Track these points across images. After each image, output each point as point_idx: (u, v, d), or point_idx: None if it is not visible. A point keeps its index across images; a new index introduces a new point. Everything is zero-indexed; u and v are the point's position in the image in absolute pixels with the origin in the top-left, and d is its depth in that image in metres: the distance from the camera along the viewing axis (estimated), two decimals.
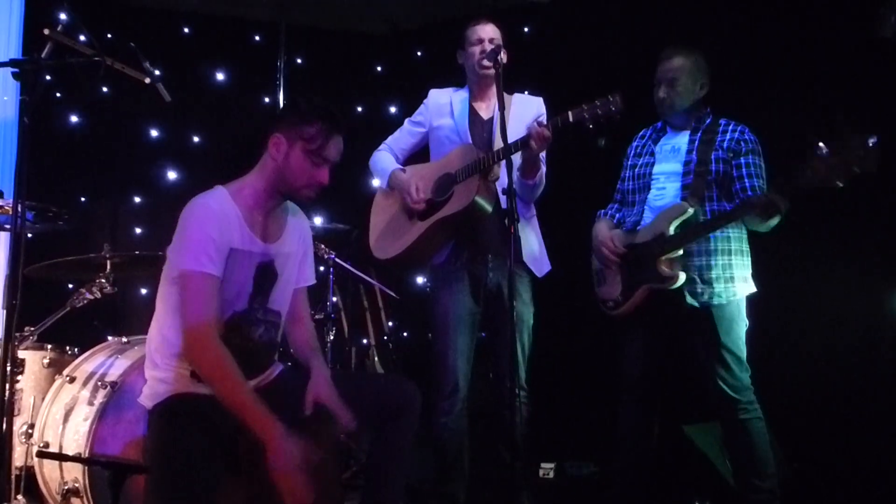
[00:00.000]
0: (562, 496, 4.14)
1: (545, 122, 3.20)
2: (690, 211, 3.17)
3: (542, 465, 4.28)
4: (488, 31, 3.47)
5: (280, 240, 2.61)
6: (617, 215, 3.51)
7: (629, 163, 3.50)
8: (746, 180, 3.20)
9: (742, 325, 3.21)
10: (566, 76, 4.89)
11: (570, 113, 3.14)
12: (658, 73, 3.31)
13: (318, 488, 2.40)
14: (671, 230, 3.18)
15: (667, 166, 3.33)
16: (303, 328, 2.76)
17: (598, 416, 3.85)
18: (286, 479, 2.28)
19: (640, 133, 3.53)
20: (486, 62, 3.35)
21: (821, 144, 2.75)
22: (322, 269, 4.51)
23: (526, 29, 5.25)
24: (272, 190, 2.53)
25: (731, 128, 3.29)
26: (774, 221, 3.04)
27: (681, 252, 3.18)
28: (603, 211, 3.56)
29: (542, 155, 3.37)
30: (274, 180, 2.53)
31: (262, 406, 2.34)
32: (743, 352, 3.19)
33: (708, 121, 3.33)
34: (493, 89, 3.32)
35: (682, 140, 3.34)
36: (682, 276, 3.15)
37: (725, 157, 3.23)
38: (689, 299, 3.17)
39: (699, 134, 3.30)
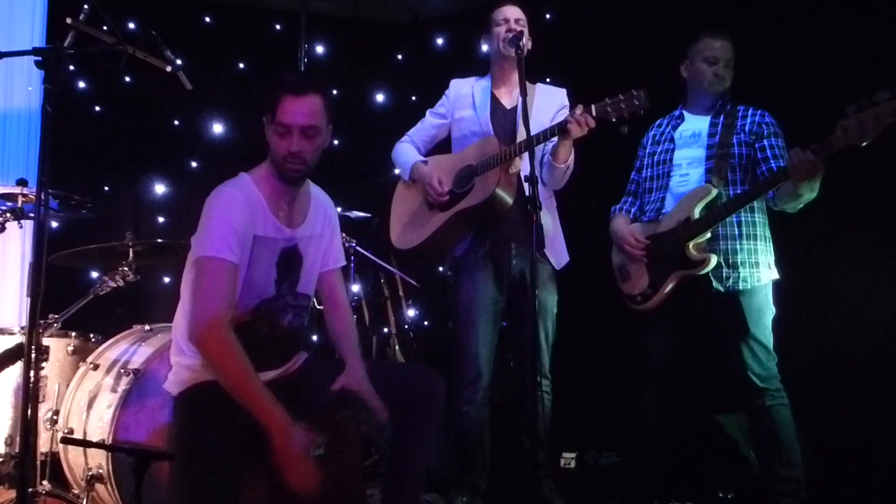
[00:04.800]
0: (583, 486, 4.13)
1: (569, 114, 3.18)
2: (715, 192, 3.15)
3: (564, 454, 4.28)
4: (514, 13, 3.46)
5: (304, 223, 2.61)
6: (632, 209, 3.48)
7: (647, 151, 3.47)
8: (772, 161, 3.18)
9: (770, 313, 3.19)
10: (588, 63, 4.86)
11: (593, 107, 3.13)
12: (715, 50, 3.26)
13: (339, 477, 2.40)
14: (697, 213, 3.15)
15: (689, 152, 3.31)
16: (342, 315, 2.76)
17: (619, 405, 3.84)
18: (290, 466, 2.28)
19: (657, 122, 3.50)
20: (509, 45, 3.32)
21: (850, 104, 2.76)
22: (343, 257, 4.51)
23: (548, 16, 5.22)
24: (275, 173, 2.52)
25: (750, 112, 3.28)
26: (808, 196, 3.01)
27: (708, 235, 3.15)
28: (617, 206, 3.53)
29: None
30: (272, 162, 2.53)
31: (266, 393, 2.32)
32: (770, 340, 3.17)
33: (728, 106, 3.30)
34: (516, 77, 3.30)
35: (702, 125, 3.32)
36: (714, 259, 3.13)
37: (748, 140, 3.22)
38: (715, 283, 3.15)
39: (721, 118, 3.28)
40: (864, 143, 2.76)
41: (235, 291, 2.43)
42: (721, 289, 3.15)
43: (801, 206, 3.08)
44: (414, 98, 6.08)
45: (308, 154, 2.48)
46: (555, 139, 3.29)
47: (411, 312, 5.42)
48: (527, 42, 3.37)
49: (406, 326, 5.24)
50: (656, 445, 3.34)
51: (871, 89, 2.74)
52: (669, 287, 3.22)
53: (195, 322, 2.37)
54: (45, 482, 3.19)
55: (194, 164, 5.77)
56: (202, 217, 2.47)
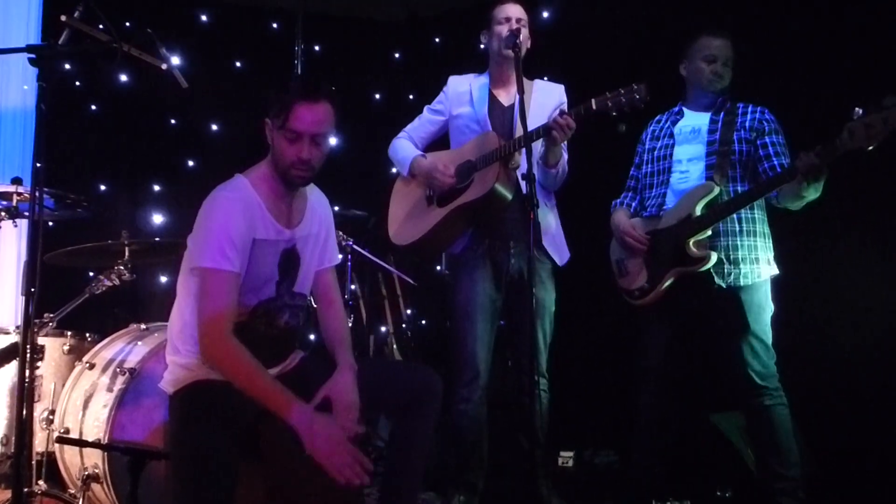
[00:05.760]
0: (581, 484, 4.12)
1: (567, 111, 3.18)
2: (717, 190, 3.16)
3: (562, 453, 4.27)
4: (516, 11, 3.45)
5: (301, 223, 2.60)
6: (633, 204, 3.48)
7: (646, 146, 3.47)
8: (774, 158, 3.18)
9: (769, 309, 3.20)
10: (586, 61, 4.85)
11: (593, 101, 3.12)
12: (713, 48, 3.28)
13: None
14: (698, 210, 3.15)
15: (689, 148, 3.31)
16: (335, 314, 2.74)
17: (617, 404, 3.83)
18: (329, 458, 2.26)
19: (656, 118, 3.50)
20: (506, 42, 3.31)
21: (857, 109, 2.76)
22: (340, 256, 4.51)
23: (545, 14, 5.21)
24: (276, 175, 2.50)
25: (750, 109, 3.29)
26: (812, 195, 3.01)
27: (709, 232, 3.16)
28: (618, 200, 3.53)
29: (564, 143, 3.35)
30: (273, 165, 2.51)
31: (285, 392, 2.32)
32: (770, 337, 3.17)
33: (728, 104, 3.30)
34: (514, 75, 3.29)
35: (702, 121, 3.32)
36: (714, 256, 3.13)
37: (749, 137, 3.22)
38: (717, 280, 3.16)
39: (721, 115, 3.28)
40: (870, 147, 2.75)
41: (237, 299, 2.41)
42: (723, 284, 3.16)
43: (804, 204, 3.08)
44: (411, 97, 6.07)
45: (316, 161, 2.48)
46: None
47: (409, 311, 5.42)
48: (525, 41, 3.36)
49: (404, 325, 5.24)
50: (654, 444, 3.34)
51: (873, 87, 2.73)
52: (667, 283, 3.22)
53: (201, 335, 2.37)
54: (40, 482, 3.17)
55: (190, 163, 5.76)
56: (199, 222, 2.45)
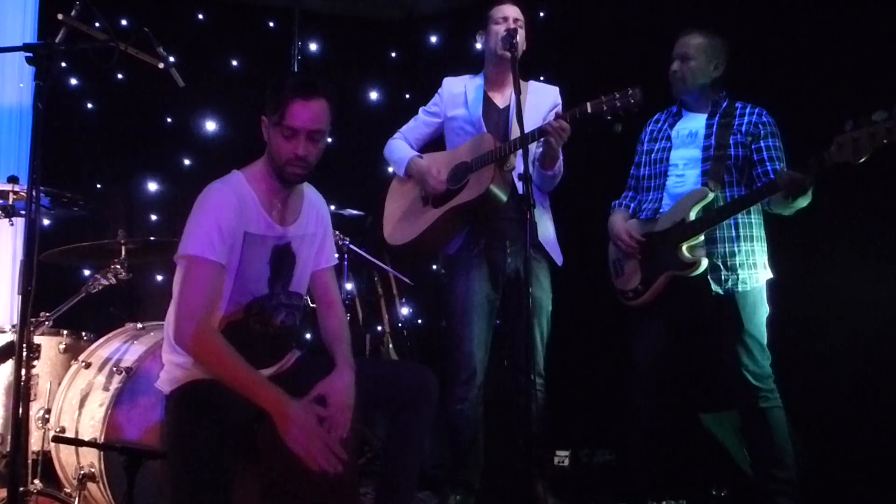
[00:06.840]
0: (577, 484, 4.12)
1: (561, 113, 3.18)
2: (711, 195, 3.16)
3: (558, 452, 4.26)
4: (513, 11, 3.45)
5: (297, 222, 2.60)
6: (632, 205, 3.48)
7: (644, 147, 3.47)
8: (768, 164, 3.17)
9: (764, 311, 3.20)
10: (582, 62, 4.85)
11: (588, 105, 3.12)
12: (674, 49, 3.31)
13: (333, 475, 2.38)
14: (692, 216, 3.16)
15: (686, 152, 3.30)
16: (334, 314, 2.74)
17: (614, 403, 3.83)
18: (302, 446, 2.27)
19: (655, 117, 3.50)
20: (503, 45, 3.31)
21: (847, 121, 2.77)
22: (336, 255, 4.51)
23: (542, 14, 5.21)
24: (272, 172, 2.50)
25: (748, 111, 3.27)
26: (801, 203, 3.02)
27: (702, 238, 3.16)
28: (617, 202, 3.53)
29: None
30: (270, 162, 2.51)
31: (259, 378, 2.33)
32: (765, 338, 3.18)
33: (724, 104, 3.30)
34: (510, 76, 3.29)
35: (699, 124, 3.31)
36: (705, 262, 3.14)
37: (744, 142, 3.21)
38: (714, 286, 3.15)
39: (717, 118, 3.27)
40: (860, 161, 2.76)
41: (220, 290, 2.42)
42: (720, 291, 3.16)
43: (795, 210, 3.08)
44: (408, 96, 6.07)
45: (312, 157, 2.48)
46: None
47: (405, 311, 5.42)
48: (521, 43, 3.36)
49: (400, 325, 5.24)
50: (649, 443, 3.34)
51: (874, 90, 2.73)
52: (659, 286, 3.23)
53: (176, 322, 2.37)
54: (36, 481, 3.16)
55: (187, 162, 5.75)
56: (191, 214, 2.46)
